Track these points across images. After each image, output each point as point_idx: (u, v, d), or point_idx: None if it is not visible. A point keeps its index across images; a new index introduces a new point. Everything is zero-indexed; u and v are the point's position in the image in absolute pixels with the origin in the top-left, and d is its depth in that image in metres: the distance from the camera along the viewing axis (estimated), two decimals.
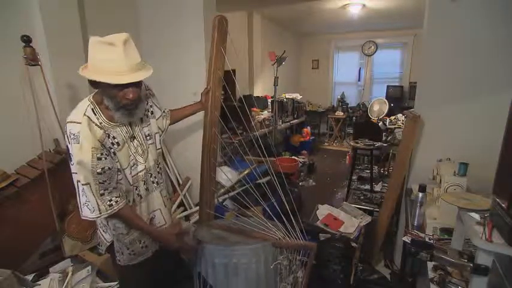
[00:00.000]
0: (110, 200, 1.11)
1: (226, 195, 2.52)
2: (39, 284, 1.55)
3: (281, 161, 4.17)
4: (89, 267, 1.76)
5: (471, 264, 1.02)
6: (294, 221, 1.39)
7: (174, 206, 2.58)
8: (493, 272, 0.96)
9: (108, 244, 1.27)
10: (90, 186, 1.07)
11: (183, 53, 2.47)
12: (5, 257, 1.61)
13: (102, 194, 1.09)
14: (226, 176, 2.57)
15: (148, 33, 2.62)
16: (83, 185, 1.07)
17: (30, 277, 1.58)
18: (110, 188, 1.11)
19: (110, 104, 1.10)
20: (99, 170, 1.07)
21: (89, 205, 1.09)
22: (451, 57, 1.91)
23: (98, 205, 1.09)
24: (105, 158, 1.09)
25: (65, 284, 1.60)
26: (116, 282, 1.72)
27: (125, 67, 1.03)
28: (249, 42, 5.28)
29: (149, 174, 1.29)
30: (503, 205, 0.98)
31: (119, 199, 1.13)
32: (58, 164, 1.91)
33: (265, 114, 4.83)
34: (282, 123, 5.34)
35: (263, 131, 4.64)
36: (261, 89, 5.59)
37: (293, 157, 4.56)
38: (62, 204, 1.92)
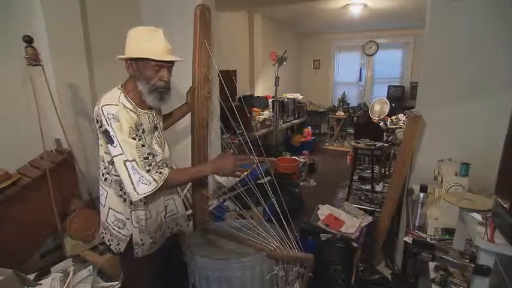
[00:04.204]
0: (157, 171, 1.14)
1: (224, 196, 2.52)
2: (41, 284, 1.55)
3: (282, 161, 4.17)
4: (90, 267, 1.76)
5: (473, 265, 1.02)
6: (290, 228, 1.34)
7: None
8: (495, 272, 0.96)
9: (128, 239, 1.26)
10: (137, 163, 1.10)
11: (183, 52, 2.47)
12: (7, 256, 1.61)
13: (148, 170, 1.12)
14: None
15: None
16: (131, 162, 1.09)
17: (31, 276, 1.58)
18: (153, 163, 1.16)
19: (144, 87, 1.17)
20: (139, 147, 1.12)
21: (143, 180, 1.10)
22: (453, 57, 1.91)
23: (152, 176, 1.11)
24: (139, 139, 1.14)
25: (66, 284, 1.60)
26: (117, 282, 1.72)
27: (164, 48, 1.16)
28: (249, 42, 5.28)
29: (165, 165, 1.33)
30: (505, 205, 0.98)
31: (162, 170, 1.17)
32: (59, 164, 1.91)
33: (266, 114, 4.83)
34: (283, 123, 5.34)
35: (264, 131, 4.65)
36: (262, 88, 5.59)
37: (294, 157, 4.56)
38: (63, 204, 1.92)
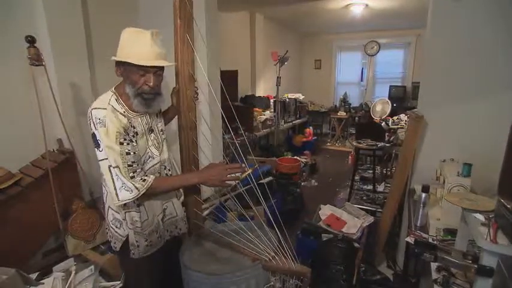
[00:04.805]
0: (141, 179, 1.15)
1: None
2: (43, 283, 1.55)
3: (283, 161, 4.17)
4: (92, 267, 1.76)
5: (475, 266, 1.01)
6: (284, 237, 1.30)
7: None
8: (498, 273, 0.96)
9: (124, 239, 1.27)
10: (120, 170, 1.10)
11: None
12: (9, 255, 1.61)
13: (132, 177, 1.12)
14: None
15: None
16: (114, 168, 1.09)
17: (34, 276, 1.58)
18: (138, 170, 1.16)
19: (130, 90, 1.15)
20: (123, 154, 1.12)
21: (125, 187, 1.10)
22: (454, 57, 1.90)
23: (134, 184, 1.11)
24: (127, 144, 1.13)
25: (68, 283, 1.60)
26: (119, 282, 1.72)
27: (149, 52, 1.11)
28: (251, 42, 5.28)
29: (163, 167, 1.33)
30: (508, 206, 0.97)
31: (146, 177, 1.17)
32: (61, 163, 1.91)
33: (268, 114, 4.83)
34: (285, 123, 5.34)
35: (265, 131, 4.65)
36: (263, 89, 5.59)
37: (295, 157, 4.56)
38: (65, 204, 1.93)
